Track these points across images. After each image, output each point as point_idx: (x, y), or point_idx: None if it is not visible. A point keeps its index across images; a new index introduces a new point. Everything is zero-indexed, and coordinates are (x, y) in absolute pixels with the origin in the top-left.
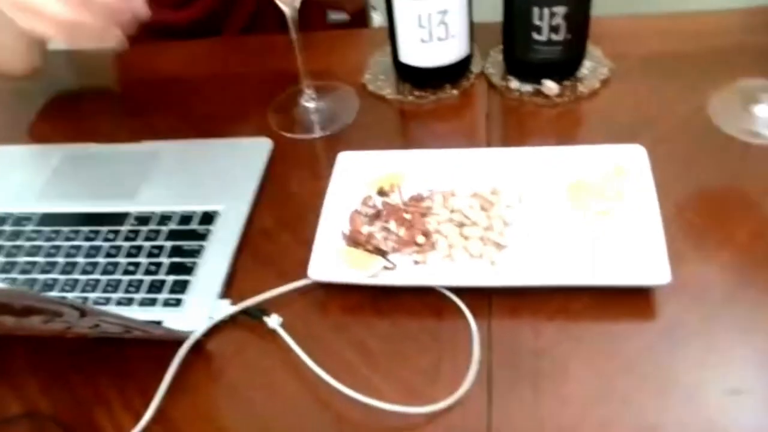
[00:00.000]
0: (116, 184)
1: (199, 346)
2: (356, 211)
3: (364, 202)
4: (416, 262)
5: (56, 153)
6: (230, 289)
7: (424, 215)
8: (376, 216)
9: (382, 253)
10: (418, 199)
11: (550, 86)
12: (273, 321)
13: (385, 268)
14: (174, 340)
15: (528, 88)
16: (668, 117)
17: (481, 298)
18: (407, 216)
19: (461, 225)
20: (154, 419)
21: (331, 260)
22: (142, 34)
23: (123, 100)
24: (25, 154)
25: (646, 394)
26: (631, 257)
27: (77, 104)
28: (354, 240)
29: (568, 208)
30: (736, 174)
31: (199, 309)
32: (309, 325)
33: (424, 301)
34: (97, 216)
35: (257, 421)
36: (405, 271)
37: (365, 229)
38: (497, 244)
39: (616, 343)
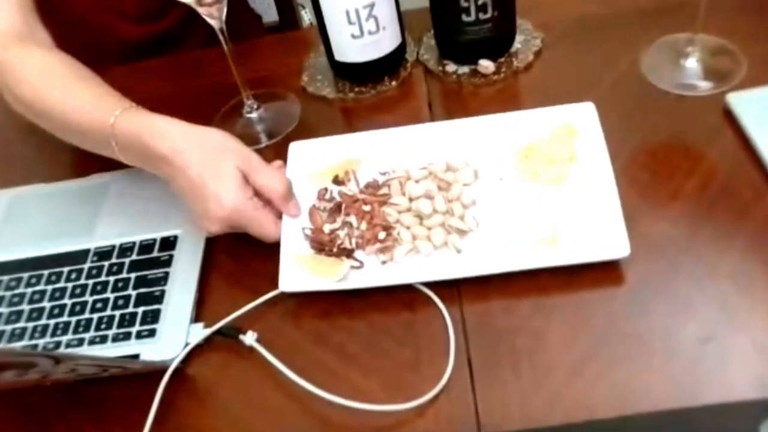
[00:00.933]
0: (71, 222)
1: (179, 374)
2: (314, 207)
3: (321, 196)
4: (383, 262)
5: (3, 197)
6: (202, 311)
7: (383, 203)
8: (336, 209)
9: (348, 252)
10: (374, 186)
11: (485, 65)
12: (249, 338)
13: (353, 267)
14: (154, 372)
15: (465, 69)
16: (604, 79)
17: (450, 284)
18: (366, 208)
19: (420, 216)
20: None
21: (299, 269)
22: (100, 52)
23: None
24: None
25: (624, 356)
26: (591, 231)
27: (18, 143)
28: (318, 241)
29: (524, 179)
30: (675, 127)
31: (174, 337)
32: (285, 337)
33: (395, 295)
34: (56, 257)
35: None
36: (373, 270)
37: (327, 228)
38: (459, 230)
39: (587, 310)
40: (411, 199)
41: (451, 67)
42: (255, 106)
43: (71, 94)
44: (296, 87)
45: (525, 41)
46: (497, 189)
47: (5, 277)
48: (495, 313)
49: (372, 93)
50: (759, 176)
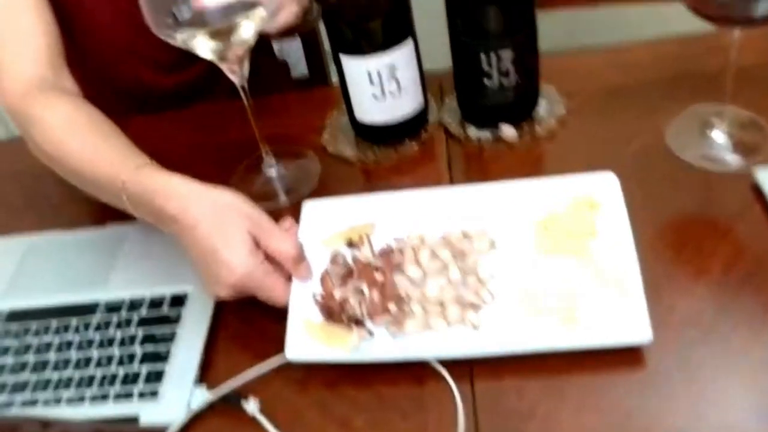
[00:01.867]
0: (84, 272)
1: None
2: (326, 272)
3: (334, 260)
4: (393, 335)
5: (20, 244)
6: (207, 373)
7: (396, 270)
8: (348, 274)
9: (357, 321)
10: (388, 252)
11: (507, 132)
12: (251, 406)
13: (362, 338)
14: None
15: (486, 134)
16: (627, 149)
17: (462, 361)
18: (378, 276)
19: (434, 293)
20: None
21: (307, 337)
22: (128, 99)
23: None
24: None
25: None
26: (612, 312)
27: (39, 187)
28: (327, 308)
29: (541, 252)
30: (701, 201)
31: (177, 399)
32: (289, 405)
33: (405, 367)
34: (66, 308)
35: None
36: (383, 342)
37: (337, 293)
38: (474, 306)
39: (603, 395)
40: (425, 272)
41: (472, 131)
42: (274, 164)
43: (89, 147)
44: (317, 145)
45: (548, 107)
46: (514, 261)
47: (14, 326)
48: (507, 393)
49: (392, 154)
50: None
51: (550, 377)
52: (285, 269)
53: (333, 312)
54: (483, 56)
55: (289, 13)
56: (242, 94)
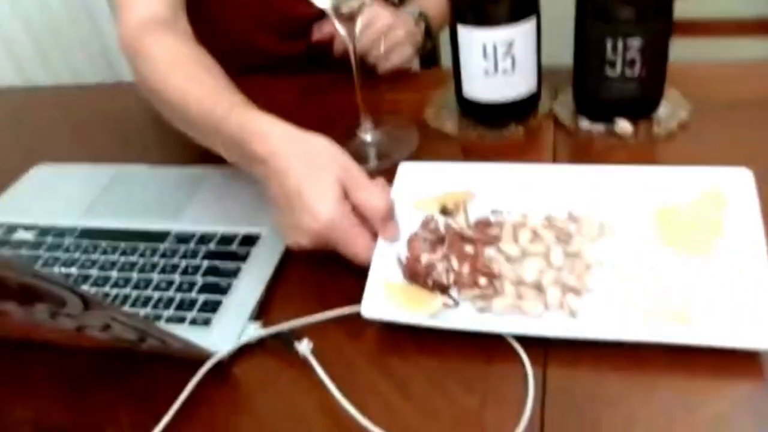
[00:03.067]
0: (161, 204)
1: (223, 370)
2: (415, 235)
3: (425, 225)
4: (481, 309)
5: (107, 172)
6: (266, 314)
7: (490, 244)
8: (439, 242)
9: (443, 287)
10: (485, 224)
11: (623, 126)
12: (303, 347)
13: (446, 305)
14: (197, 360)
15: (599, 127)
16: (754, 165)
17: (537, 340)
18: (469, 249)
19: (533, 271)
20: None
21: (385, 296)
22: (243, 63)
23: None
24: (80, 171)
25: None
26: (732, 312)
27: (128, 130)
28: (412, 271)
29: (657, 243)
30: None
31: (228, 330)
32: (344, 357)
33: (476, 340)
34: (137, 233)
35: None
36: (468, 313)
37: (425, 258)
38: (575, 290)
39: (688, 403)
40: (523, 252)
41: (584, 123)
42: (371, 128)
43: (190, 81)
44: (420, 120)
45: (670, 110)
46: (627, 249)
47: (85, 241)
48: (582, 382)
49: (496, 135)
50: None
51: (638, 372)
52: (371, 226)
53: (418, 275)
54: (609, 42)
55: (401, 55)
56: (351, 55)
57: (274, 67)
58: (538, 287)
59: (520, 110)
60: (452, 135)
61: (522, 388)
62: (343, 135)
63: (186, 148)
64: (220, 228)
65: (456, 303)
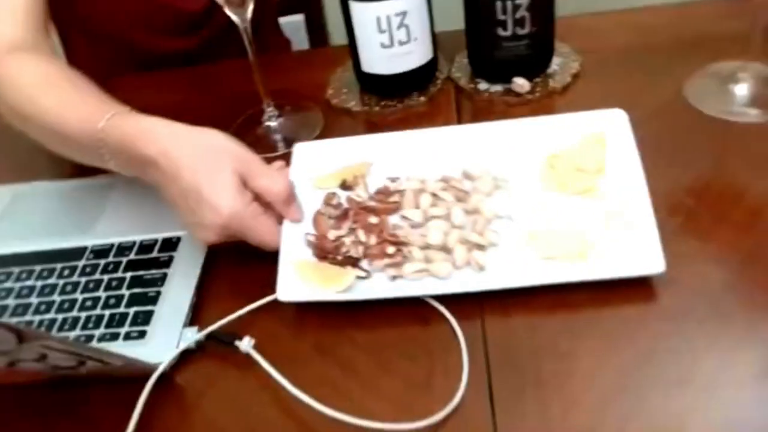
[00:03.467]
0: (72, 220)
1: (168, 381)
2: (319, 212)
3: (328, 201)
4: (393, 277)
5: (5, 193)
6: (199, 316)
7: (393, 212)
8: (343, 216)
9: (353, 261)
10: (385, 193)
11: (520, 83)
12: (245, 344)
13: (359, 277)
14: (140, 376)
15: (498, 88)
16: (645, 104)
17: (470, 300)
18: (374, 220)
19: (438, 234)
20: None
21: (298, 277)
22: (128, 64)
23: None
24: None
25: (662, 388)
26: (624, 247)
27: (21, 142)
28: (321, 248)
29: (548, 190)
30: (722, 154)
31: (165, 340)
32: (285, 346)
33: (407, 308)
34: (51, 253)
35: None
36: (381, 282)
37: (332, 234)
38: (480, 246)
39: (623, 334)
40: (426, 216)
41: (483, 86)
42: (275, 114)
43: (66, 100)
44: (321, 100)
45: (562, 64)
46: (520, 200)
47: None
48: (520, 331)
49: (399, 107)
50: None
51: (567, 314)
52: (276, 212)
53: (327, 252)
54: (498, 3)
55: None
56: (245, 38)
57: (169, 64)
58: (445, 248)
59: (420, 79)
60: (356, 111)
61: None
62: (247, 123)
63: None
64: (138, 236)
65: (369, 274)
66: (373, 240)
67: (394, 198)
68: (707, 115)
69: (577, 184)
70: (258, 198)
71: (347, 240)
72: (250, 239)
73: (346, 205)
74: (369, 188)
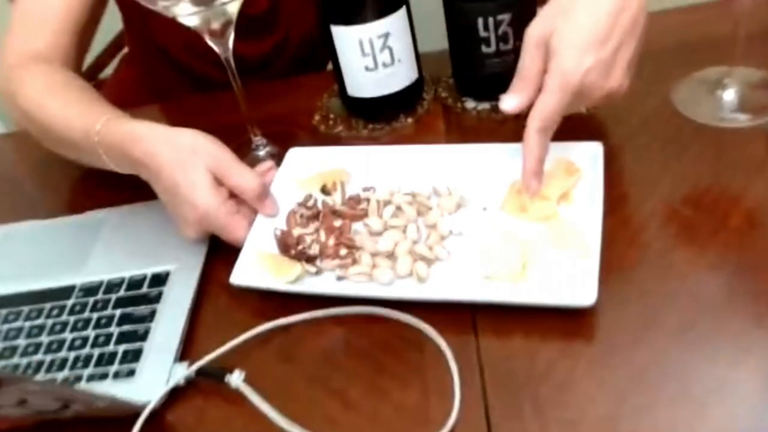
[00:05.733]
0: (60, 259)
1: (158, 419)
2: (293, 211)
3: (304, 202)
4: (339, 278)
5: None
6: (190, 350)
7: (359, 219)
8: (314, 217)
9: (309, 257)
10: (356, 200)
11: None
12: (235, 378)
13: (309, 273)
14: (128, 416)
15: (485, 105)
16: (635, 113)
17: (465, 329)
18: (337, 223)
19: (389, 243)
20: None
21: (256, 266)
22: (182, 85)
23: (65, 170)
24: None
25: (662, 405)
26: (562, 273)
27: (18, 180)
28: (283, 243)
29: (507, 212)
30: (714, 160)
31: (155, 377)
32: (277, 377)
33: (402, 334)
34: (39, 294)
35: None
36: (327, 280)
37: (297, 231)
38: (426, 259)
39: (621, 352)
40: (385, 226)
41: (470, 104)
42: (263, 143)
43: (66, 104)
44: (308, 127)
45: None
46: (476, 220)
47: None
48: (517, 359)
49: (386, 130)
50: None
51: (572, 341)
52: (251, 210)
53: (288, 247)
54: (480, 21)
55: None
56: (228, 69)
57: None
58: (392, 257)
59: (406, 101)
60: (344, 136)
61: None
62: (236, 154)
63: (75, 195)
64: (127, 272)
65: (318, 271)
66: (331, 241)
67: (363, 206)
68: (696, 122)
69: (537, 210)
70: (235, 197)
71: (308, 238)
72: (224, 236)
73: (320, 207)
74: (345, 195)
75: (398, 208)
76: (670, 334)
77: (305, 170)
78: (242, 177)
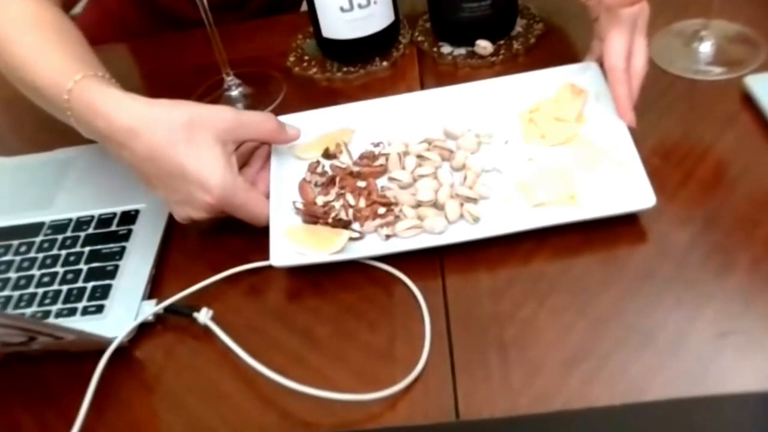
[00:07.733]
0: (28, 196)
1: (126, 355)
2: (305, 180)
3: (313, 170)
4: (386, 236)
5: None
6: (159, 289)
7: (379, 175)
8: (330, 183)
9: (345, 223)
10: (369, 157)
11: (483, 45)
12: (203, 316)
13: (352, 239)
14: (96, 350)
15: (461, 51)
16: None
17: (431, 268)
18: (361, 184)
19: (428, 191)
20: None
21: (290, 242)
22: (154, 22)
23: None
24: None
25: (625, 349)
26: (612, 184)
27: None
28: (310, 214)
29: (531, 142)
30: (687, 112)
31: (123, 314)
32: (245, 317)
33: (372, 278)
34: (7, 230)
35: (198, 428)
36: (375, 242)
37: (320, 200)
38: (472, 199)
39: (587, 297)
40: (414, 177)
41: (446, 49)
42: (236, 84)
43: (41, 46)
44: (282, 68)
45: (526, 25)
46: (504, 153)
47: None
48: (481, 296)
49: (361, 73)
50: None
51: (530, 278)
52: (263, 186)
53: (317, 217)
54: None
55: None
56: (200, 6)
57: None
58: (437, 205)
59: (382, 44)
60: (318, 78)
61: (421, 315)
62: (207, 93)
63: (44, 132)
64: (96, 210)
65: (362, 235)
66: (362, 203)
67: (380, 161)
68: (672, 73)
69: (558, 133)
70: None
71: (336, 204)
72: (241, 214)
73: (331, 172)
74: (352, 154)
75: (419, 156)
76: (632, 280)
77: (301, 137)
78: (254, 121)
